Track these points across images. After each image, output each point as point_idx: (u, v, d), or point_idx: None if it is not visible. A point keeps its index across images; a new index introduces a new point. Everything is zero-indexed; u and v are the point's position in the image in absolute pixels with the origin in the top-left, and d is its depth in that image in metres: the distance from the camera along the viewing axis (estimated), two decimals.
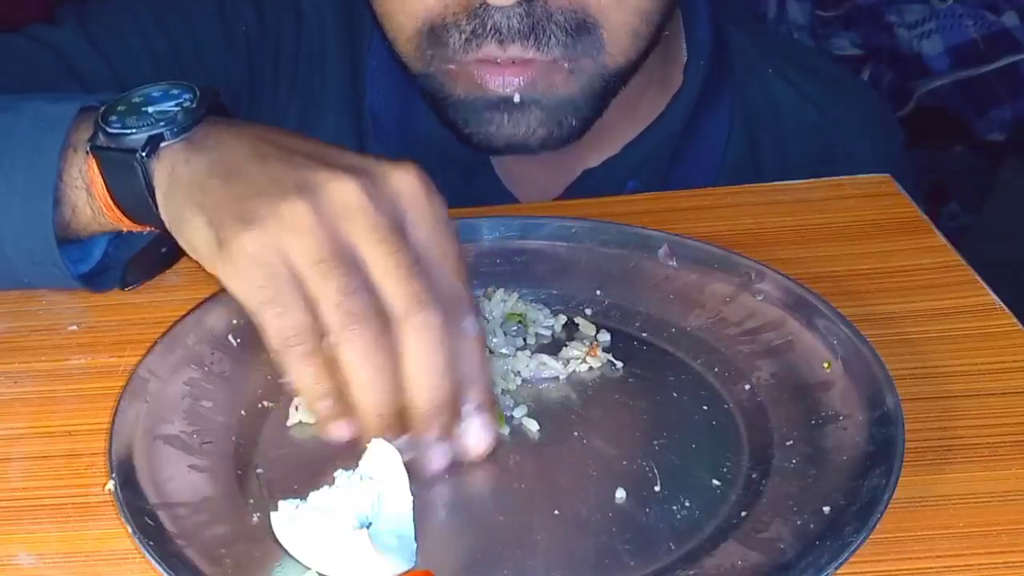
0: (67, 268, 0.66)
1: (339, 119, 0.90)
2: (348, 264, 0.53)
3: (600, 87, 0.78)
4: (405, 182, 0.55)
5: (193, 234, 0.58)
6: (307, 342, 0.53)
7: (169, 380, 0.60)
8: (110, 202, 0.64)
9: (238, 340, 0.64)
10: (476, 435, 0.56)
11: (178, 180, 0.60)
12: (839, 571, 0.48)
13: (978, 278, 0.69)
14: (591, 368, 0.63)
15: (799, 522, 0.52)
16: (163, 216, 0.61)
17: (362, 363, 0.53)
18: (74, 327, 0.69)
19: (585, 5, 0.75)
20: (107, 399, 0.60)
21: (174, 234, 0.60)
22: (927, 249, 0.73)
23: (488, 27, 0.74)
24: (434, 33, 0.76)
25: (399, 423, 0.54)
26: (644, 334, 0.66)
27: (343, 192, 0.54)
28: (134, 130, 0.62)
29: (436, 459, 0.55)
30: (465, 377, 0.54)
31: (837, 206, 0.78)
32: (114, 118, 0.63)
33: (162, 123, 0.62)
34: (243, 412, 0.60)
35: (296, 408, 0.60)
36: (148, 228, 0.65)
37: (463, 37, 0.75)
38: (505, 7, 0.73)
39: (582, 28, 0.75)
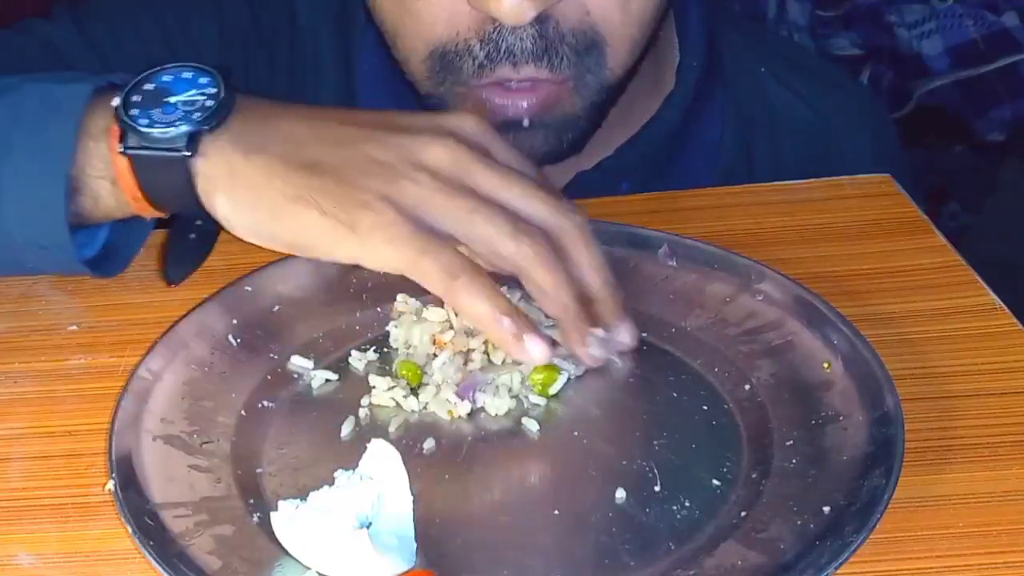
0: (75, 254, 0.66)
1: None
2: (494, 205, 0.59)
3: (600, 101, 0.78)
4: (475, 125, 0.62)
5: (302, 227, 0.59)
6: (471, 269, 0.57)
7: (169, 380, 0.60)
8: (139, 195, 0.63)
9: (238, 340, 0.64)
10: (628, 335, 0.61)
11: (244, 179, 0.60)
12: (839, 571, 0.48)
13: (978, 278, 0.69)
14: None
15: (799, 522, 0.52)
16: (224, 210, 0.61)
17: (551, 276, 0.58)
18: (74, 327, 0.69)
19: (594, 23, 0.74)
20: (107, 399, 0.60)
21: (240, 229, 0.61)
22: (927, 249, 0.73)
23: (502, 50, 0.74)
24: (446, 58, 0.76)
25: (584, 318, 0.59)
26: (644, 334, 0.65)
27: (445, 151, 0.59)
28: (165, 126, 0.61)
29: (594, 356, 0.60)
30: (607, 279, 0.61)
31: (837, 206, 0.78)
32: (136, 112, 0.61)
33: (196, 116, 0.61)
34: (243, 412, 0.60)
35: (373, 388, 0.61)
36: (165, 214, 0.65)
37: (476, 63, 0.75)
38: (518, 29, 0.72)
39: (591, 46, 0.75)
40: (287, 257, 0.68)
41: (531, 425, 0.59)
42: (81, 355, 0.66)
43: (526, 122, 0.76)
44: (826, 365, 0.60)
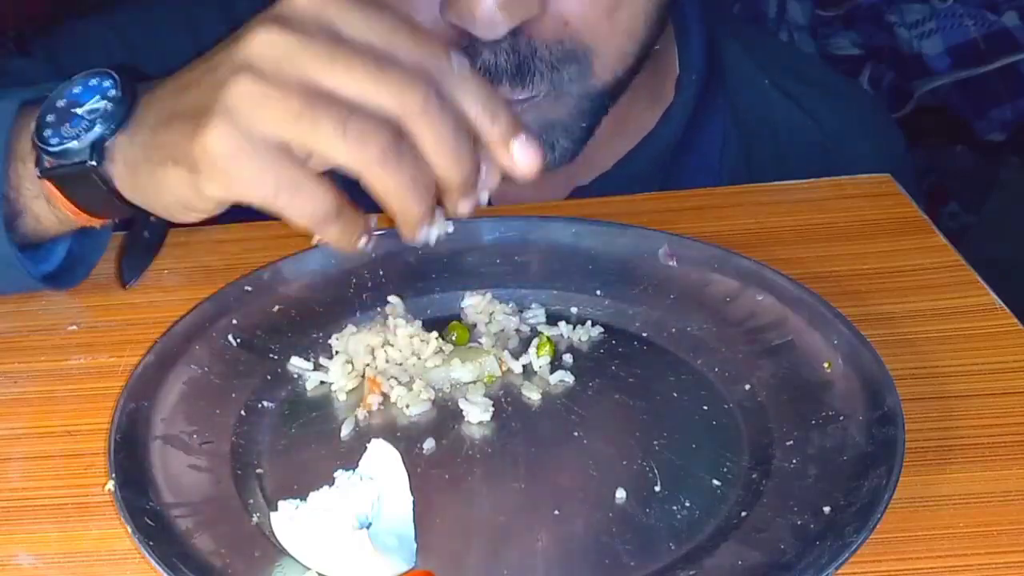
0: (30, 270, 0.66)
1: None
2: (323, 100, 0.51)
3: (588, 107, 0.77)
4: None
5: (169, 186, 0.56)
6: (331, 208, 0.52)
7: (169, 380, 0.60)
8: (76, 209, 0.63)
9: (238, 340, 0.64)
10: (523, 155, 0.54)
11: (132, 164, 0.59)
12: (839, 571, 0.48)
13: (978, 278, 0.69)
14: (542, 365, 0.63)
15: (799, 522, 0.52)
16: (138, 202, 0.60)
17: (396, 177, 0.51)
18: (74, 327, 0.69)
19: (575, 33, 0.73)
20: (107, 399, 0.60)
21: (156, 211, 0.59)
22: (927, 249, 0.73)
23: (478, 66, 0.72)
24: None
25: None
26: (644, 334, 0.66)
27: (265, 43, 0.52)
28: (72, 140, 0.60)
29: (469, 206, 0.55)
30: (483, 117, 0.53)
31: (837, 206, 0.78)
32: (49, 133, 0.61)
33: (97, 124, 0.60)
34: (243, 412, 0.60)
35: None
36: (118, 219, 0.65)
37: None
38: (491, 43, 0.71)
39: (569, 57, 0.74)
40: (287, 257, 0.68)
41: (531, 424, 0.59)
42: (81, 355, 0.66)
43: None
44: (826, 365, 0.60)
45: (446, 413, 0.61)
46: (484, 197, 0.56)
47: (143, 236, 0.70)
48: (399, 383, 0.61)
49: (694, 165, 0.89)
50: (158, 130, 0.57)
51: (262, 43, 0.52)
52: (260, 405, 0.61)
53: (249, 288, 0.66)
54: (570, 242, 0.71)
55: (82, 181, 0.61)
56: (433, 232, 0.56)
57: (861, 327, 0.61)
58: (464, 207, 0.55)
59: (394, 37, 0.52)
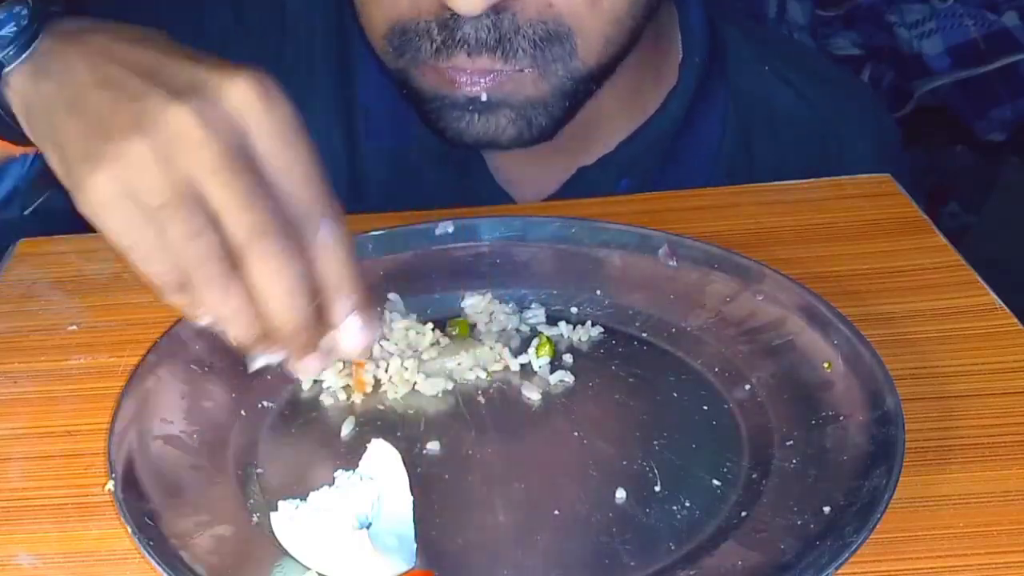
0: None
1: (328, 118, 0.90)
2: (189, 204, 0.52)
3: (571, 88, 0.78)
4: (240, 95, 0.53)
5: (54, 168, 0.56)
6: (175, 283, 0.53)
7: (170, 380, 0.60)
8: None
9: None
10: (351, 335, 0.55)
11: (32, 110, 0.59)
12: (839, 571, 0.48)
13: (978, 278, 0.69)
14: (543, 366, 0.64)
15: (799, 522, 0.52)
16: (32, 140, 0.59)
17: (217, 303, 0.53)
18: (74, 327, 0.69)
19: (558, 15, 0.74)
20: (107, 399, 0.60)
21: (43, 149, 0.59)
22: (927, 249, 0.73)
23: (457, 39, 0.74)
24: (406, 35, 0.76)
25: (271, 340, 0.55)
26: (644, 334, 0.66)
27: (177, 122, 0.52)
28: None
29: (307, 368, 0.56)
30: (330, 286, 0.54)
31: (837, 206, 0.78)
32: None
33: (2, 49, 0.59)
34: (243, 412, 0.60)
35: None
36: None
37: (433, 47, 0.75)
38: (474, 19, 0.72)
39: (552, 37, 0.74)
40: None
41: (531, 424, 0.59)
42: (81, 355, 0.66)
43: (484, 96, 0.76)
44: (827, 365, 0.60)
45: (446, 413, 0.61)
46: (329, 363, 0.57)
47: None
48: (389, 368, 0.62)
49: (694, 148, 0.90)
50: (58, 109, 0.56)
51: (174, 118, 0.52)
52: (260, 405, 0.61)
53: None
54: (570, 242, 0.71)
55: None
56: (260, 360, 0.56)
57: (861, 327, 0.61)
58: (302, 367, 0.56)
59: (288, 175, 0.53)
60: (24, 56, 0.59)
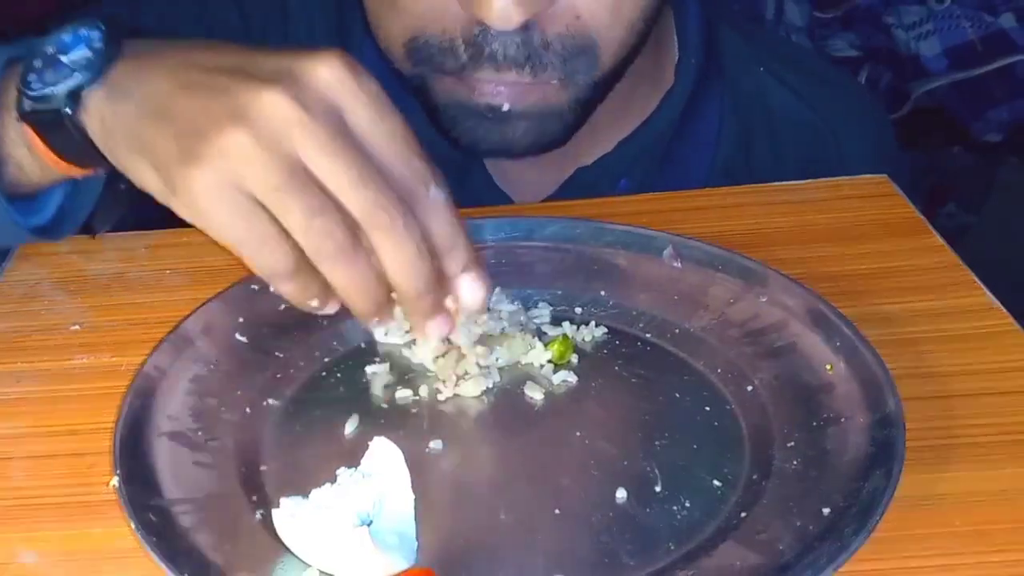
0: (20, 221, 0.66)
1: None
2: (303, 183, 0.53)
3: (588, 96, 0.78)
4: (329, 73, 0.54)
5: (144, 180, 0.57)
6: (290, 268, 0.54)
7: (175, 377, 0.61)
8: (55, 157, 0.62)
9: (244, 338, 0.64)
10: (469, 291, 0.57)
11: (111, 129, 0.59)
12: (838, 570, 0.49)
13: (975, 278, 0.70)
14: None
15: (799, 523, 0.52)
16: (112, 162, 0.60)
17: (346, 277, 0.54)
18: (76, 327, 0.69)
19: (584, 26, 0.74)
20: (109, 398, 0.61)
21: (130, 178, 0.59)
22: (925, 249, 0.73)
23: (485, 54, 0.73)
24: (428, 49, 0.76)
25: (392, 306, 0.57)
26: (647, 335, 0.66)
27: (274, 107, 0.53)
28: (53, 86, 0.60)
29: (437, 328, 0.57)
30: (444, 246, 0.55)
31: (837, 206, 0.78)
32: (33, 77, 0.61)
33: (77, 72, 0.60)
34: (248, 409, 0.60)
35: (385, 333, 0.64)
36: (101, 169, 0.64)
37: (459, 63, 0.75)
38: (504, 35, 0.72)
39: (578, 49, 0.75)
40: None
41: (533, 423, 0.59)
42: (83, 355, 0.67)
43: (506, 107, 0.76)
44: (828, 367, 0.60)
45: (449, 411, 0.61)
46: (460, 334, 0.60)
47: (120, 187, 0.68)
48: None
49: (692, 148, 0.90)
50: (144, 120, 0.57)
51: (270, 104, 0.53)
52: (265, 403, 0.61)
53: (256, 287, 0.67)
54: (575, 242, 0.71)
55: (58, 128, 0.60)
56: (384, 327, 0.59)
57: (860, 327, 0.61)
58: (433, 328, 0.57)
59: (390, 146, 0.54)
60: (100, 78, 0.59)
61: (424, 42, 0.76)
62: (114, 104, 0.59)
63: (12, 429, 0.61)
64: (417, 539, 0.51)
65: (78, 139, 0.60)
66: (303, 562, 0.51)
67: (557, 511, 0.54)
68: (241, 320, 0.65)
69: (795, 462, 0.56)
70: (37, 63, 0.61)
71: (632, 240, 0.70)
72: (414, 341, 0.64)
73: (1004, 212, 1.78)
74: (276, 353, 0.64)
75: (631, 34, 0.78)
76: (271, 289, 0.57)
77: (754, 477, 0.55)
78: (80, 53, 0.60)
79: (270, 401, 0.61)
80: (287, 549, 0.51)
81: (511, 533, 0.53)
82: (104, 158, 0.60)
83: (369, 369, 0.64)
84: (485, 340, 0.63)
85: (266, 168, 0.52)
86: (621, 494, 0.55)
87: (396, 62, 0.79)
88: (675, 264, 0.69)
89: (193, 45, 0.59)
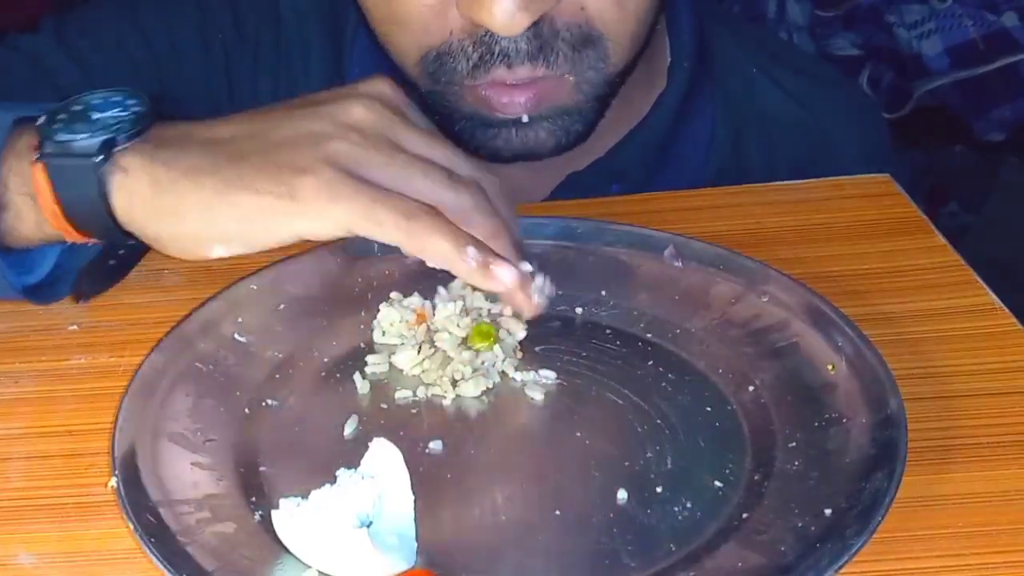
0: (6, 275, 0.65)
1: None
2: (410, 159, 0.59)
3: (603, 92, 0.78)
4: (379, 87, 0.62)
5: (239, 216, 0.58)
6: (426, 210, 0.58)
7: (174, 377, 0.60)
8: (56, 210, 0.61)
9: (243, 338, 0.64)
10: (501, 274, 0.60)
11: (169, 187, 0.59)
12: (839, 571, 0.48)
13: (977, 278, 0.69)
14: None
15: (800, 524, 0.52)
16: (136, 225, 0.60)
17: (489, 215, 0.60)
18: (74, 327, 0.69)
19: (590, 19, 0.74)
20: (107, 399, 0.60)
21: (160, 237, 0.60)
22: (926, 249, 0.73)
23: (496, 52, 0.73)
24: (440, 59, 0.76)
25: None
26: (648, 335, 0.66)
27: (366, 111, 0.60)
28: (84, 135, 0.60)
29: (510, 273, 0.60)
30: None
31: (837, 206, 0.78)
32: (58, 126, 0.61)
33: (114, 127, 0.60)
34: (247, 410, 0.60)
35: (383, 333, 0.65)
36: (92, 240, 0.63)
37: (470, 64, 0.74)
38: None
39: (588, 41, 0.75)
40: (291, 256, 0.68)
41: (533, 424, 0.59)
42: (81, 355, 0.67)
43: (525, 118, 0.76)
44: (830, 367, 0.60)
45: (449, 412, 0.61)
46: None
47: (108, 263, 0.69)
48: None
49: (684, 150, 0.90)
50: (226, 162, 0.59)
51: (362, 109, 0.60)
52: (264, 403, 0.61)
53: (255, 287, 0.67)
54: (575, 242, 0.71)
55: (77, 177, 0.60)
56: (536, 290, 0.61)
57: (861, 327, 0.61)
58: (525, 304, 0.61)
59: (450, 153, 0.61)
60: (137, 139, 0.61)
61: (435, 55, 0.76)
62: (167, 162, 0.60)
63: (10, 429, 0.61)
64: (417, 540, 0.51)
65: (92, 193, 0.60)
66: (303, 563, 0.51)
67: (557, 512, 0.54)
68: (240, 320, 0.65)
69: (797, 463, 0.55)
70: (62, 116, 0.62)
71: (633, 240, 0.70)
72: (402, 345, 0.64)
73: (1006, 212, 1.77)
74: (276, 353, 0.64)
75: (640, 26, 0.78)
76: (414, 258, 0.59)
77: (755, 478, 0.55)
78: (114, 113, 0.62)
79: (269, 401, 0.61)
80: (286, 550, 0.51)
81: (511, 534, 0.53)
82: (106, 225, 0.60)
83: (369, 369, 0.63)
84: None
85: (390, 154, 0.59)
86: (622, 495, 0.55)
87: (416, 81, 0.79)
88: (676, 264, 0.68)
89: (222, 116, 0.63)
